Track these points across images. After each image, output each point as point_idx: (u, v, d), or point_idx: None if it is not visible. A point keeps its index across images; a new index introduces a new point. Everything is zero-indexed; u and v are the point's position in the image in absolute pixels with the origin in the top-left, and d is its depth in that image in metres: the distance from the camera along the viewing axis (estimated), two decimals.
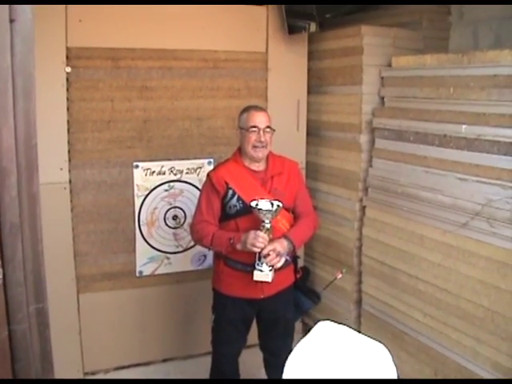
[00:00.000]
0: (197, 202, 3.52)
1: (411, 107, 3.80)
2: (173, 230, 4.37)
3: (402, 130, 3.84)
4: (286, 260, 3.31)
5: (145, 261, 4.31)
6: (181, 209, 4.37)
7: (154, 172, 4.23)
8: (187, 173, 4.32)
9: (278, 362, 2.99)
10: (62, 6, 3.75)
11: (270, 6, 4.40)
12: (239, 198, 3.32)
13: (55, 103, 3.85)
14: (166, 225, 4.34)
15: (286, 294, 3.52)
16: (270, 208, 3.14)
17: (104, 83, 4.02)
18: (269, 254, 3.15)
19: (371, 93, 4.14)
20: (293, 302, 3.61)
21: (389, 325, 4.02)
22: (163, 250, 4.35)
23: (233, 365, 3.66)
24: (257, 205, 3.13)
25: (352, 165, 4.31)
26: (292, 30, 4.39)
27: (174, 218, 4.35)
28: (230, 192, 3.33)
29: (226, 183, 3.33)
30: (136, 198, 4.21)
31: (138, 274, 4.31)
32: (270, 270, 3.19)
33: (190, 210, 4.17)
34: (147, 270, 4.33)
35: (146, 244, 4.29)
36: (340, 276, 3.78)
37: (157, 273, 4.37)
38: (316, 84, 4.69)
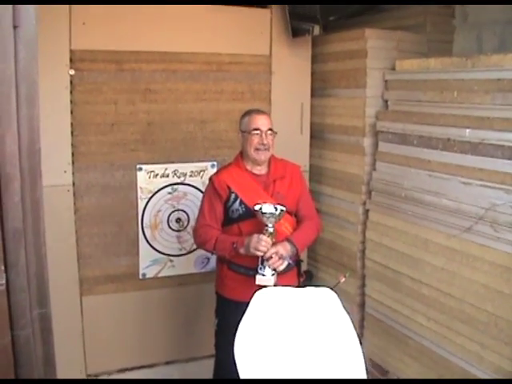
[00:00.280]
0: (199, 206, 3.52)
1: (415, 111, 3.79)
2: (176, 233, 4.37)
3: (406, 134, 3.83)
4: (289, 264, 3.31)
5: (148, 263, 4.31)
6: (184, 211, 4.36)
7: (157, 175, 4.23)
8: (191, 175, 4.32)
9: None
10: (66, 9, 3.76)
11: (273, 9, 4.40)
12: (242, 202, 3.32)
13: (59, 106, 3.85)
14: (170, 227, 4.34)
15: None
16: (274, 212, 3.13)
17: (108, 86, 4.02)
18: (271, 257, 3.15)
19: (375, 96, 4.13)
20: None
21: (392, 329, 4.02)
22: (166, 252, 4.35)
23: (236, 368, 3.65)
24: (260, 209, 3.13)
25: (355, 168, 4.31)
26: (296, 32, 4.39)
27: (178, 220, 4.35)
28: (233, 196, 3.33)
29: (229, 187, 3.33)
30: (139, 201, 4.21)
31: (141, 277, 4.31)
32: (273, 275, 3.19)
33: (194, 213, 4.17)
34: (150, 273, 4.33)
35: (149, 247, 4.29)
36: (343, 280, 3.76)
37: (160, 275, 4.37)
38: (320, 87, 4.69)
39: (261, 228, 3.15)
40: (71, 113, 3.93)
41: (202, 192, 3.99)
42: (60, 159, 3.91)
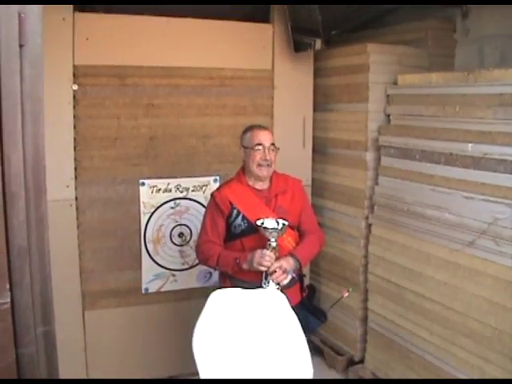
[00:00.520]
0: (201, 222, 3.52)
1: (417, 125, 3.80)
2: (179, 248, 4.37)
3: (408, 148, 3.84)
4: (293, 278, 3.30)
5: (150, 278, 4.30)
6: (187, 226, 4.37)
7: (160, 189, 4.23)
8: (193, 190, 4.32)
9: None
10: (70, 24, 3.79)
11: (275, 24, 4.42)
12: (244, 218, 3.31)
13: (62, 120, 3.87)
14: (172, 242, 4.34)
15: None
16: (276, 226, 3.13)
17: (110, 101, 4.04)
18: (275, 271, 3.14)
19: (377, 110, 4.15)
20: (299, 321, 3.59)
21: (395, 343, 4.01)
22: (169, 267, 4.35)
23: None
24: (262, 223, 3.12)
25: (358, 182, 4.31)
26: (298, 47, 4.40)
27: (180, 235, 4.35)
28: (235, 212, 3.33)
29: (231, 203, 3.33)
30: (142, 216, 4.22)
31: (143, 291, 4.30)
32: (277, 289, 3.18)
33: (196, 228, 4.17)
34: (153, 287, 4.33)
35: (151, 261, 4.28)
36: (347, 295, 3.77)
37: (163, 290, 4.36)
38: (322, 101, 4.70)
39: (263, 243, 3.14)
40: (74, 127, 3.95)
41: (204, 207, 4.00)
42: (63, 174, 3.92)
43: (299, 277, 3.50)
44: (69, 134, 3.93)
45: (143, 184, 4.18)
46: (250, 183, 3.39)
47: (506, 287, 3.15)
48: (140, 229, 4.23)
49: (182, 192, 4.30)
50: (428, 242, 3.68)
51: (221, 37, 4.25)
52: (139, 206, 4.20)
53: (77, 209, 4.03)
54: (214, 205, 3.37)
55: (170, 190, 4.26)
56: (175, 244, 4.35)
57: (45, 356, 1.74)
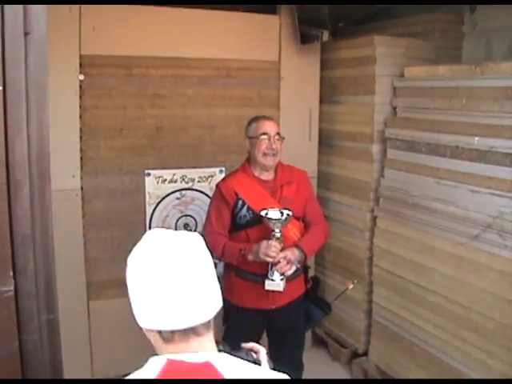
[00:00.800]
0: (206, 213, 3.52)
1: (423, 118, 3.79)
2: None
3: (414, 141, 3.82)
4: (298, 269, 3.31)
5: None
6: (192, 217, 4.37)
7: (165, 180, 4.24)
8: (199, 181, 4.32)
9: (288, 372, 2.99)
10: (77, 15, 3.78)
11: (282, 16, 4.41)
12: (249, 208, 3.31)
13: (68, 110, 3.87)
14: None
15: (297, 304, 3.50)
16: (280, 217, 3.14)
17: (117, 91, 4.04)
18: (279, 262, 3.15)
19: (383, 103, 4.13)
20: (304, 313, 3.60)
21: (399, 336, 4.01)
22: None
23: None
24: (266, 214, 3.13)
25: (364, 175, 4.30)
26: (305, 39, 4.39)
27: (185, 226, 4.35)
28: (240, 202, 3.33)
29: (236, 194, 3.33)
30: (147, 206, 4.22)
31: None
32: (282, 279, 3.19)
33: (202, 219, 4.17)
34: None
35: None
36: (352, 287, 3.77)
37: None
38: (328, 93, 4.69)
39: (268, 234, 3.15)
40: (80, 117, 3.95)
41: (209, 197, 3.99)
42: (68, 164, 3.92)
43: (304, 268, 3.51)
44: (75, 124, 3.93)
45: (149, 174, 4.18)
46: (256, 174, 3.39)
47: (510, 281, 3.14)
48: (145, 219, 4.23)
49: (187, 183, 4.30)
50: (433, 235, 3.67)
51: (227, 28, 4.24)
52: (145, 196, 4.21)
53: (82, 199, 4.04)
54: (220, 195, 3.38)
55: (176, 181, 4.27)
56: None
57: (48, 344, 1.75)
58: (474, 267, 3.37)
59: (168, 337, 1.52)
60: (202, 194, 4.34)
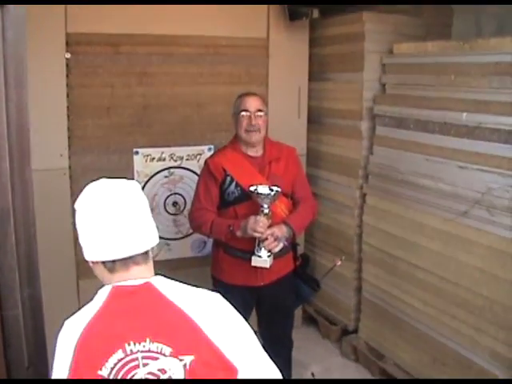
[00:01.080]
0: (195, 189, 3.51)
1: (412, 94, 3.78)
2: (173, 217, 4.37)
3: (403, 118, 3.82)
4: (285, 246, 3.30)
5: None
6: (181, 195, 4.36)
7: (154, 158, 4.22)
8: (187, 159, 4.31)
9: (278, 349, 3.01)
10: None
11: None
12: (237, 185, 3.30)
13: (55, 89, 3.83)
14: (166, 211, 4.34)
15: (286, 281, 3.50)
16: (269, 192, 3.13)
17: (104, 69, 4.00)
18: (267, 239, 3.15)
19: (372, 80, 4.12)
20: (293, 290, 3.60)
21: (388, 313, 4.03)
22: (163, 236, 4.32)
23: None
24: (255, 189, 3.13)
25: (353, 152, 4.30)
26: (293, 16, 4.35)
27: (174, 204, 4.34)
28: (228, 179, 3.31)
29: (224, 170, 3.32)
30: None
31: None
32: (269, 256, 3.18)
33: (190, 197, 4.14)
34: None
35: None
36: (339, 263, 3.78)
37: (156, 259, 4.28)
38: (317, 71, 4.67)
39: (256, 211, 3.14)
40: (67, 96, 3.91)
41: (198, 176, 3.98)
42: (56, 143, 3.89)
43: (292, 246, 3.51)
44: (62, 103, 3.89)
45: (137, 153, 4.17)
46: (243, 150, 3.37)
47: (498, 257, 3.15)
48: None
49: (176, 161, 4.29)
50: (422, 212, 3.67)
51: (215, 4, 4.19)
52: (133, 175, 4.18)
53: (70, 178, 4.01)
54: (208, 171, 3.36)
55: (164, 159, 4.25)
56: (169, 213, 4.35)
57: (30, 317, 1.74)
58: (463, 243, 3.37)
59: (111, 267, 1.67)
60: (190, 172, 4.32)
